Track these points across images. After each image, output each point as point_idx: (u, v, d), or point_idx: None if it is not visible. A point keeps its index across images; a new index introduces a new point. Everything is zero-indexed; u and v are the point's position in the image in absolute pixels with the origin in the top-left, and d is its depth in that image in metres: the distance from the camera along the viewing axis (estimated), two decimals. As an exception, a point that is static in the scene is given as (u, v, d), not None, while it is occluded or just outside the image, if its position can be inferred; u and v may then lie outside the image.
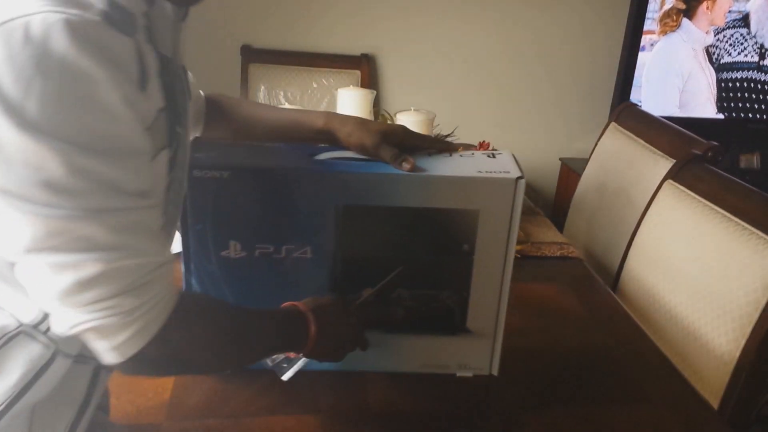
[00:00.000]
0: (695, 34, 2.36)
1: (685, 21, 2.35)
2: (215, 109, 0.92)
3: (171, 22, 0.63)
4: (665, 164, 1.44)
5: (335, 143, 0.88)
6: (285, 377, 0.81)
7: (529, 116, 2.64)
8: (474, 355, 0.91)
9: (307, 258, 0.83)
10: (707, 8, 2.34)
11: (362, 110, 1.57)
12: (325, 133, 0.88)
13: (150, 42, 0.58)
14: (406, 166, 0.80)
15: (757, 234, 1.11)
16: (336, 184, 0.79)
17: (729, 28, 2.40)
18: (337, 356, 0.80)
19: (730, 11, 2.38)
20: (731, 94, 2.49)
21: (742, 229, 1.14)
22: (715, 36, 2.40)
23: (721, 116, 2.50)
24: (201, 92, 0.91)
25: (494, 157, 0.86)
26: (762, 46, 2.42)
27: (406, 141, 0.86)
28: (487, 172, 0.81)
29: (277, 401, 0.86)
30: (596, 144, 1.80)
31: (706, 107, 2.49)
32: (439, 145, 0.89)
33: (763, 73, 2.47)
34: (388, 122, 1.47)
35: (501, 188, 0.80)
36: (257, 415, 0.83)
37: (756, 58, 2.45)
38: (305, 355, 0.77)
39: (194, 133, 0.91)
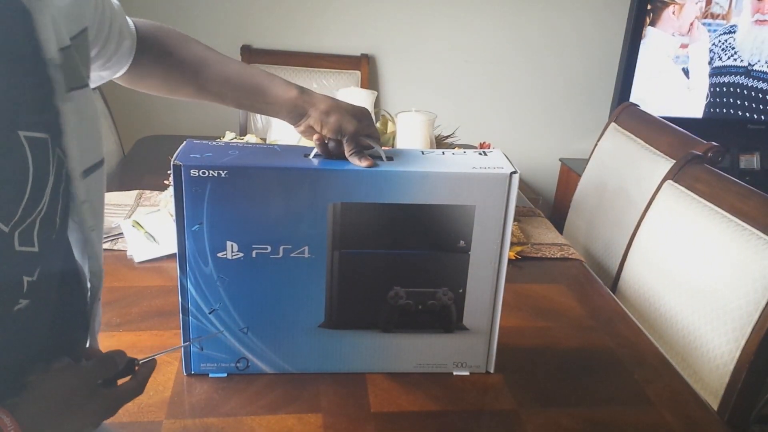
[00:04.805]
0: (663, 40, 2.39)
1: (650, 30, 2.37)
2: (149, 43, 0.80)
3: None
4: (665, 164, 1.44)
5: (298, 119, 0.83)
6: None
7: (530, 117, 2.65)
8: (470, 352, 0.92)
9: (304, 258, 0.83)
10: (673, 13, 2.36)
11: (363, 111, 1.56)
12: (294, 107, 0.82)
13: None
14: (364, 162, 0.81)
15: (757, 234, 1.11)
16: (332, 182, 0.80)
17: (723, 34, 2.42)
18: None
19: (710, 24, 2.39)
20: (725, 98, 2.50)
21: (741, 230, 1.14)
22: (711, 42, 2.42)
23: (717, 117, 2.51)
24: (131, 23, 0.78)
25: (486, 154, 0.87)
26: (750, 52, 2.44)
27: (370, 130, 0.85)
28: (481, 168, 0.82)
29: (277, 400, 0.86)
30: (596, 144, 1.80)
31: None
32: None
33: (751, 79, 2.48)
34: (381, 115, 1.47)
35: (496, 183, 0.82)
36: (258, 414, 0.83)
37: (745, 63, 2.46)
38: None
39: (116, 70, 0.79)
